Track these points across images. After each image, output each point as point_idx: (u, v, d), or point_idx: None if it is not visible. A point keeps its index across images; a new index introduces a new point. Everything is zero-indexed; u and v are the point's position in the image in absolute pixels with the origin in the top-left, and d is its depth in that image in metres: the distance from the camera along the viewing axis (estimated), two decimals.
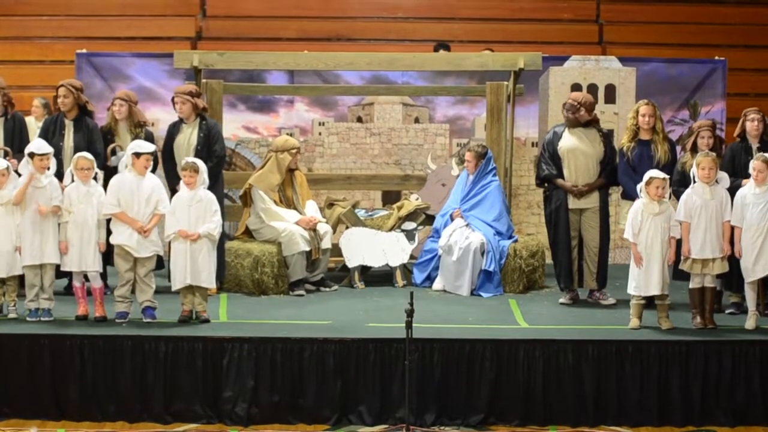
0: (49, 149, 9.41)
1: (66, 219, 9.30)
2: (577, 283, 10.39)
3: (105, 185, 9.51)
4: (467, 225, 11.01)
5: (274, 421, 8.77)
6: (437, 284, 10.96)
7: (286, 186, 11.09)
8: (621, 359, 8.82)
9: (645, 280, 9.21)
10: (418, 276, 11.18)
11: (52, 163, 9.40)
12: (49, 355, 8.80)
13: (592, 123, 10.37)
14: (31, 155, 9.32)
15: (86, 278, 9.47)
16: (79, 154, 9.48)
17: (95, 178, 9.48)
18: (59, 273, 9.64)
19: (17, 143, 10.19)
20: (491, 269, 10.76)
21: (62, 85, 10.40)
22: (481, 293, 10.74)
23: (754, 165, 9.28)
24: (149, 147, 9.49)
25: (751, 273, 9.23)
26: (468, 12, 15.46)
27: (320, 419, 8.77)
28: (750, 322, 9.28)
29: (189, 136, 10.51)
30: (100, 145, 10.31)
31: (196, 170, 9.40)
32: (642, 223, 9.23)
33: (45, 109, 11.80)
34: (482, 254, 10.79)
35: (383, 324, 9.30)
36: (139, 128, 10.58)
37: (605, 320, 9.67)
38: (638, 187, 9.35)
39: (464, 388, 8.80)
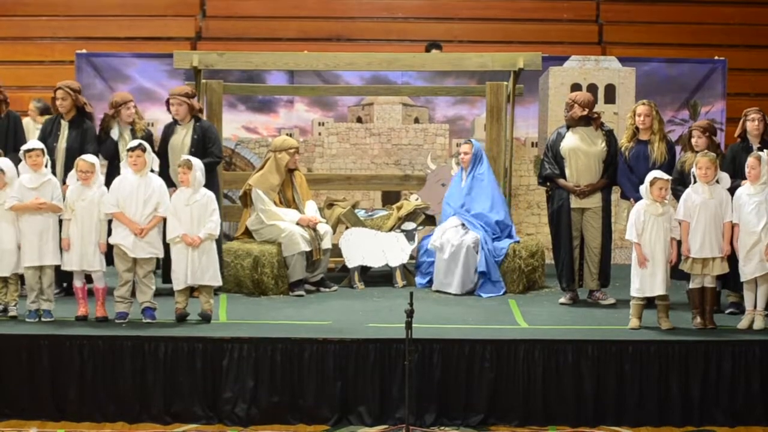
0: (38, 145, 9.41)
1: (68, 216, 9.31)
2: (577, 283, 10.40)
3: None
4: (462, 225, 11.00)
5: (273, 422, 8.77)
6: (436, 284, 10.96)
7: (286, 186, 11.10)
8: (621, 359, 8.82)
9: (650, 280, 9.20)
10: (420, 281, 11.16)
11: (47, 161, 9.41)
12: (49, 356, 8.80)
13: (594, 122, 10.36)
14: (24, 154, 9.35)
15: (88, 280, 9.47)
16: (80, 156, 9.48)
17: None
18: (62, 274, 9.66)
19: (12, 142, 10.17)
20: (483, 269, 10.74)
21: (60, 88, 10.37)
22: (480, 293, 10.73)
23: (747, 162, 9.31)
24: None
25: (743, 273, 9.25)
26: (468, 12, 15.46)
27: (320, 420, 8.77)
28: (744, 322, 9.28)
29: (183, 138, 10.51)
30: (92, 146, 10.27)
31: (190, 167, 9.41)
32: (644, 224, 9.23)
33: (40, 112, 11.78)
34: (477, 253, 10.78)
35: (383, 324, 9.30)
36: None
37: (605, 320, 9.67)
38: (641, 187, 9.33)
39: (464, 388, 8.80)
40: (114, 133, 10.51)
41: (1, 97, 10.33)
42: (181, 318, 9.35)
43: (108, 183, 9.61)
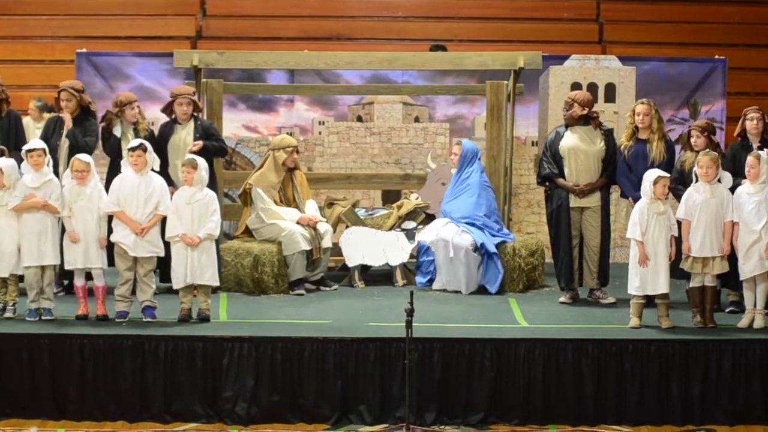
0: (39, 145, 9.42)
1: (67, 214, 9.32)
2: (577, 282, 10.40)
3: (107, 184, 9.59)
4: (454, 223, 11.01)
5: (273, 421, 8.77)
6: (437, 283, 10.96)
7: (287, 185, 11.10)
8: (621, 358, 8.82)
9: (652, 279, 9.20)
10: (420, 280, 11.16)
11: (49, 160, 9.42)
12: (49, 355, 8.80)
13: (593, 121, 10.36)
14: (25, 153, 9.36)
15: (88, 278, 9.47)
16: (75, 156, 9.49)
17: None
18: (64, 273, 9.65)
19: (13, 141, 10.18)
20: (481, 241, 10.70)
21: (63, 89, 10.35)
22: (486, 285, 10.71)
23: (747, 161, 9.32)
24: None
25: (742, 271, 9.27)
26: (468, 11, 15.46)
27: (320, 418, 8.77)
28: (744, 321, 9.29)
29: (185, 137, 10.53)
30: (91, 140, 10.25)
31: (195, 166, 9.42)
32: (647, 222, 9.23)
33: (41, 111, 11.78)
34: (474, 251, 10.76)
35: (383, 323, 9.30)
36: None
37: (605, 319, 9.67)
38: (643, 186, 9.32)
39: (464, 387, 8.80)
40: (116, 131, 10.52)
41: (2, 96, 10.33)
42: (185, 319, 9.34)
43: (109, 181, 9.62)
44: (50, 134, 10.33)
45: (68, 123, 10.25)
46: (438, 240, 10.87)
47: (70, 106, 10.34)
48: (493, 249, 10.76)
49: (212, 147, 10.38)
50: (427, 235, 10.98)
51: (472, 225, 10.90)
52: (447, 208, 11.12)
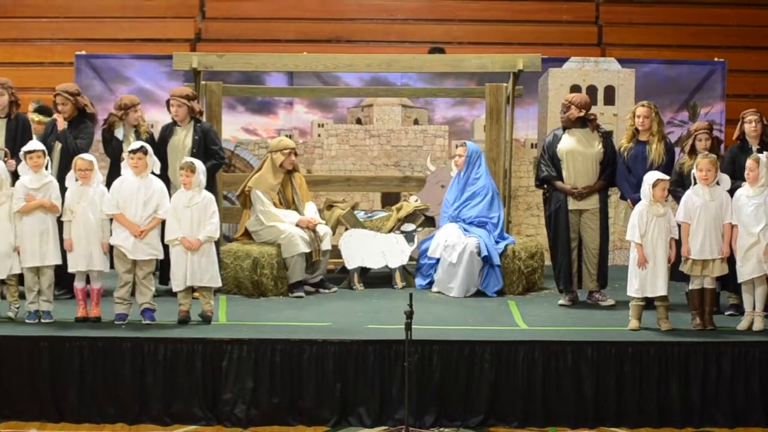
0: (38, 146, 9.43)
1: (69, 218, 9.32)
2: (576, 284, 10.39)
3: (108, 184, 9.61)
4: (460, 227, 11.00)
5: (273, 423, 8.77)
6: (436, 286, 10.96)
7: (286, 187, 11.10)
8: (620, 360, 8.82)
9: (651, 281, 9.21)
10: (421, 282, 11.15)
11: (48, 162, 9.42)
12: (49, 357, 8.80)
13: (590, 123, 10.36)
14: (24, 155, 9.37)
15: (88, 282, 9.47)
16: (78, 155, 9.50)
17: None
18: (66, 276, 9.65)
19: (19, 144, 10.17)
20: (486, 254, 10.72)
21: (59, 94, 10.37)
22: (486, 290, 10.72)
23: (746, 164, 9.33)
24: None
25: (740, 274, 9.27)
26: (467, 14, 15.45)
27: (319, 421, 8.77)
28: (743, 323, 9.29)
29: (183, 139, 10.52)
30: (82, 143, 10.24)
31: (193, 170, 9.42)
32: (647, 224, 9.23)
33: (39, 111, 11.78)
34: (478, 254, 10.77)
35: (383, 325, 9.31)
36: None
37: (604, 321, 9.67)
38: (643, 189, 9.32)
39: (463, 389, 8.80)
40: (118, 134, 10.53)
41: (12, 99, 10.35)
42: (184, 321, 9.34)
43: (110, 184, 9.63)
44: (47, 136, 10.35)
45: (60, 126, 10.26)
46: (446, 245, 10.87)
47: (65, 109, 10.35)
48: (497, 261, 10.77)
49: (213, 169, 10.34)
50: (435, 244, 10.98)
51: (483, 226, 10.91)
52: (457, 210, 11.08)
